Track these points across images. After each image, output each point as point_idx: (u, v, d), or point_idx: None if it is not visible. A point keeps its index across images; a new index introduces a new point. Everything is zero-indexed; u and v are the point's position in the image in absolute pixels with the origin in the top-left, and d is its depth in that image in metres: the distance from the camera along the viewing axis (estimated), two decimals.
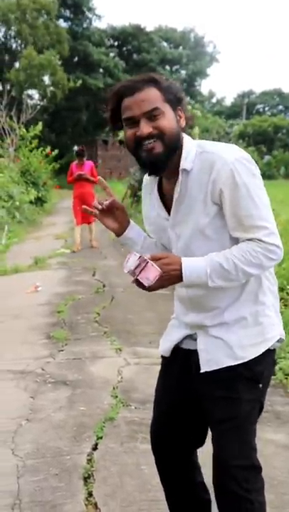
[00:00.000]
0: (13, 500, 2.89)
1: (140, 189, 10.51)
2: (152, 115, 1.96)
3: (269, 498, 2.89)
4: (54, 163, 23.02)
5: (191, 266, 1.98)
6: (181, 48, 58.60)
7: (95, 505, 2.87)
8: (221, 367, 2.07)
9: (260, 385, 2.13)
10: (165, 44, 58.06)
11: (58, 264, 10.13)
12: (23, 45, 42.25)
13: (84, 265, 9.85)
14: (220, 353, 2.07)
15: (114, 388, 4.44)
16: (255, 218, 1.98)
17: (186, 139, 2.08)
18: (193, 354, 2.14)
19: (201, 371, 2.09)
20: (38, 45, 40.05)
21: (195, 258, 2.00)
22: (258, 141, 50.10)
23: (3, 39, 44.80)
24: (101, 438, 3.61)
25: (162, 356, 2.35)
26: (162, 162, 2.01)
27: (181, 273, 1.97)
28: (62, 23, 46.97)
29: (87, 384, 4.53)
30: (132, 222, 2.28)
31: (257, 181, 2.02)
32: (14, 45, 45.20)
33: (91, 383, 4.55)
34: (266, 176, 45.33)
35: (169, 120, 1.99)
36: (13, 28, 42.60)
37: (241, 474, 2.10)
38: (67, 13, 49.91)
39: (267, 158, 48.51)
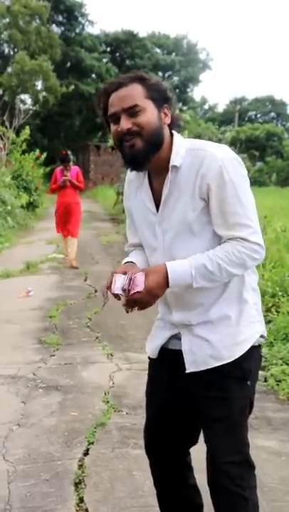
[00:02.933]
0: (4, 506, 2.88)
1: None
2: (133, 111, 1.99)
3: (260, 504, 2.90)
4: (44, 167, 23.02)
5: (176, 269, 2.01)
6: (173, 54, 58.82)
7: (86, 510, 2.86)
8: (208, 367, 2.08)
9: (249, 382, 2.15)
10: (158, 50, 58.26)
11: (50, 269, 10.12)
12: (15, 50, 42.24)
13: (75, 270, 9.84)
14: (205, 353, 2.08)
15: (105, 393, 4.43)
16: (241, 216, 2.01)
17: (177, 137, 2.11)
18: (181, 354, 2.14)
19: (186, 371, 2.11)
20: (30, 50, 40.06)
21: (179, 261, 2.03)
22: (250, 148, 50.24)
23: None
24: (92, 443, 3.60)
25: (149, 358, 2.34)
26: (143, 158, 2.04)
27: (168, 277, 2.00)
28: (55, 29, 47.02)
29: (79, 389, 4.52)
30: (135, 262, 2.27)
31: (245, 182, 2.05)
32: (6, 50, 45.21)
33: (82, 388, 4.54)
34: (258, 182, 45.46)
35: (149, 117, 2.00)
36: (4, 32, 42.60)
37: (235, 470, 2.11)
38: (60, 18, 49.98)
39: (259, 164, 48.64)
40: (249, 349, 2.11)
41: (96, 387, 4.57)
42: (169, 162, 2.07)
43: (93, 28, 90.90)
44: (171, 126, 2.10)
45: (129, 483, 3.12)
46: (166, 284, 2.01)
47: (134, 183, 2.26)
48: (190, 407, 2.21)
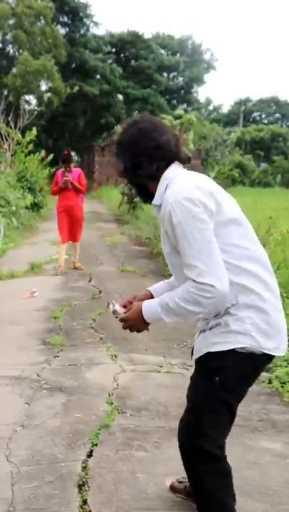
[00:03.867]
0: (7, 508, 2.87)
1: (136, 196, 10.42)
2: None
3: (265, 507, 2.90)
4: (50, 167, 23.03)
5: (147, 308, 2.48)
6: (178, 55, 58.87)
7: None
8: (195, 357, 2.52)
9: (217, 378, 2.40)
10: (162, 51, 58.32)
11: (54, 270, 10.10)
12: (20, 51, 42.30)
13: (80, 271, 9.84)
14: (197, 347, 2.51)
15: (109, 395, 4.42)
16: (189, 257, 2.28)
17: (164, 178, 2.46)
18: None
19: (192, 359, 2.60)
20: (35, 51, 40.11)
21: (152, 300, 2.50)
22: (255, 149, 50.25)
23: (0, 44, 44.87)
24: (96, 445, 3.59)
25: None
26: (142, 197, 2.64)
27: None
28: (60, 30, 47.07)
29: (83, 390, 4.51)
30: (151, 291, 2.88)
31: (193, 221, 2.27)
32: (11, 51, 45.28)
33: (87, 390, 4.53)
34: (262, 183, 45.45)
35: (120, 174, 2.59)
36: (9, 33, 42.67)
37: (190, 452, 2.54)
38: (65, 19, 50.03)
39: (263, 165, 48.64)
40: (226, 351, 2.38)
41: (100, 388, 4.56)
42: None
43: (98, 28, 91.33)
44: (154, 176, 2.48)
45: (133, 485, 3.11)
46: (143, 319, 2.50)
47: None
48: None
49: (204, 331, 2.48)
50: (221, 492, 2.50)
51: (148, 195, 2.54)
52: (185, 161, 2.58)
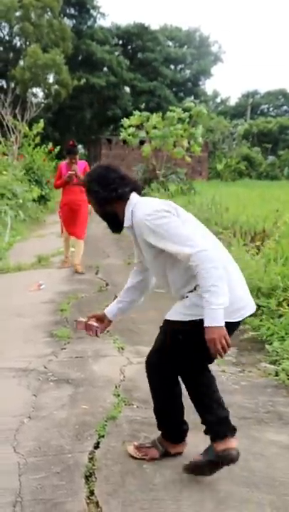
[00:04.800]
0: (15, 498, 2.89)
1: (143, 188, 10.54)
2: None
3: (271, 498, 2.91)
4: (57, 160, 23.04)
5: (207, 320, 2.85)
6: (185, 47, 58.63)
7: (97, 503, 2.86)
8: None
9: (180, 337, 3.03)
10: (170, 43, 58.14)
11: (61, 263, 10.12)
12: (27, 43, 42.27)
13: (87, 264, 9.84)
14: (171, 311, 3.15)
15: (116, 387, 4.44)
16: (177, 245, 2.88)
17: (128, 204, 3.11)
18: None
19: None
20: (42, 43, 40.07)
21: (204, 315, 2.87)
22: (263, 142, 50.09)
23: (7, 37, 44.82)
24: (103, 437, 3.60)
25: None
26: (112, 227, 3.30)
27: None
28: (67, 22, 47.01)
29: (90, 382, 4.53)
30: (107, 313, 3.65)
31: (164, 221, 2.94)
32: (18, 43, 45.25)
33: (93, 382, 4.55)
34: (270, 176, 45.33)
35: (94, 208, 3.24)
36: (16, 25, 42.64)
37: (155, 371, 3.26)
38: (72, 11, 49.94)
39: (271, 158, 48.50)
40: (189, 321, 2.99)
41: (107, 380, 4.58)
42: None
43: (105, 20, 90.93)
44: (121, 198, 3.12)
45: (140, 476, 3.12)
46: (216, 327, 2.87)
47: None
48: None
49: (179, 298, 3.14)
50: (170, 397, 3.26)
51: (118, 225, 3.20)
52: (141, 191, 3.25)
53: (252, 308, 3.15)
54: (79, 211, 9.45)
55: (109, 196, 3.12)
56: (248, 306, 3.10)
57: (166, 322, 3.15)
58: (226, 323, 2.85)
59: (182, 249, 2.86)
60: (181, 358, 3.11)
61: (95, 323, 3.56)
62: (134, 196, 3.16)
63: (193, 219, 3.16)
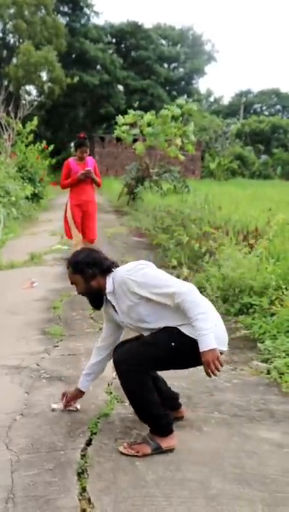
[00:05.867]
0: (7, 495, 2.89)
1: (136, 186, 10.69)
2: (74, 284, 3.70)
3: (262, 495, 2.93)
4: (50, 158, 23.01)
5: (203, 344, 3.21)
6: (179, 45, 58.59)
7: (89, 500, 2.87)
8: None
9: (173, 344, 3.30)
10: (163, 42, 58.07)
11: (54, 260, 10.13)
12: (20, 40, 42.16)
13: None
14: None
15: (108, 385, 4.45)
16: (164, 288, 3.29)
17: (109, 276, 3.55)
18: None
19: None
20: (36, 41, 39.96)
21: (198, 341, 3.23)
22: (255, 141, 50.17)
23: (0, 34, 44.70)
24: (95, 434, 3.61)
25: None
26: (93, 302, 3.78)
27: None
28: (60, 19, 46.91)
29: None
30: (82, 388, 3.96)
31: (146, 270, 3.42)
32: (12, 40, 45.13)
33: None
34: (262, 175, 45.41)
35: (80, 285, 3.65)
36: (10, 23, 42.51)
37: (122, 366, 3.44)
38: (66, 9, 49.84)
39: (264, 157, 48.58)
40: (182, 333, 3.30)
41: (99, 378, 4.56)
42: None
43: (98, 18, 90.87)
44: (105, 272, 3.56)
45: (132, 473, 3.13)
46: (210, 350, 3.21)
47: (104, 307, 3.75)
48: None
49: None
50: (142, 391, 3.39)
51: (100, 300, 3.67)
52: (116, 266, 3.62)
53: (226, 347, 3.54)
54: (91, 213, 9.00)
55: (96, 272, 3.56)
56: (226, 344, 3.51)
57: (164, 328, 3.38)
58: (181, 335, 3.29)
59: (165, 290, 3.28)
60: (159, 361, 3.41)
61: (73, 405, 3.99)
62: (111, 272, 3.58)
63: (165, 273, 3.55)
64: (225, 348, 3.46)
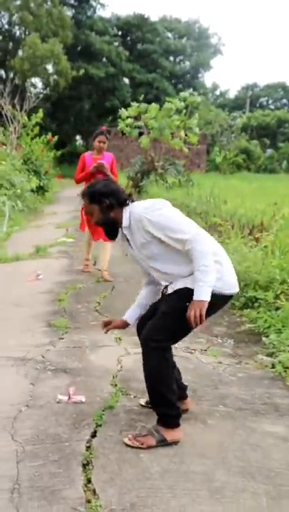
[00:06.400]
0: (13, 485, 2.91)
1: (142, 180, 10.70)
2: (90, 214, 3.68)
3: (267, 488, 2.94)
4: (55, 150, 22.99)
5: (196, 294, 3.26)
6: (185, 38, 58.35)
7: (94, 491, 2.88)
8: (173, 289, 3.47)
9: (187, 303, 3.29)
10: (169, 34, 57.85)
11: (59, 253, 10.15)
12: (27, 32, 42.06)
13: (85, 255, 9.84)
14: (176, 285, 3.46)
15: (113, 377, 4.45)
16: (177, 233, 3.29)
17: (126, 209, 3.53)
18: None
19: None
20: (41, 33, 39.87)
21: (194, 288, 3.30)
22: (261, 135, 50.03)
23: (6, 26, 44.60)
24: (100, 426, 3.62)
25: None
26: (108, 234, 3.71)
27: None
28: (66, 11, 46.76)
29: (87, 372, 4.55)
30: (128, 319, 3.88)
31: (163, 211, 3.40)
32: (18, 33, 45.03)
33: (91, 372, 4.56)
34: (268, 169, 45.30)
35: (96, 216, 3.61)
36: (16, 15, 42.42)
37: (149, 343, 3.42)
38: (72, 1, 49.70)
39: (269, 151, 48.44)
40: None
41: (104, 370, 4.60)
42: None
43: (104, 11, 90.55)
44: (122, 204, 3.54)
45: (137, 465, 3.15)
46: (201, 301, 3.26)
47: (120, 234, 3.69)
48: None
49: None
50: (164, 370, 3.43)
51: (115, 231, 3.64)
52: (132, 200, 3.60)
53: (237, 289, 3.56)
54: None
55: (112, 203, 3.53)
56: (236, 287, 3.53)
57: (180, 290, 3.39)
58: (221, 295, 3.38)
59: (178, 236, 3.28)
60: (178, 327, 3.41)
61: (77, 397, 4.02)
62: (128, 205, 3.57)
63: (182, 214, 3.53)
64: (236, 290, 3.51)
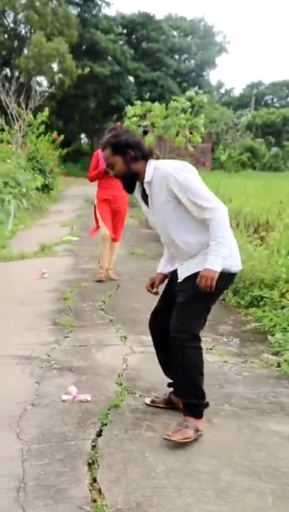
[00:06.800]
0: (19, 484, 2.91)
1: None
2: (110, 166, 3.58)
3: (272, 488, 2.93)
4: (61, 149, 22.99)
5: (209, 264, 3.33)
6: (190, 37, 58.17)
7: (99, 490, 2.88)
8: (188, 274, 3.46)
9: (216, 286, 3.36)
10: (174, 33, 57.66)
11: (65, 252, 10.15)
12: (32, 31, 42.05)
13: (90, 253, 9.85)
14: (192, 268, 3.46)
15: (119, 376, 4.45)
16: (199, 199, 3.29)
17: (149, 164, 3.46)
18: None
19: (179, 281, 3.54)
20: (47, 32, 39.83)
21: (206, 258, 3.35)
22: (266, 133, 49.90)
23: (12, 25, 44.58)
24: (106, 425, 3.62)
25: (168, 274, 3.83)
26: (127, 187, 3.62)
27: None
28: (72, 10, 46.71)
29: (93, 371, 4.55)
30: (162, 269, 3.86)
31: (191, 175, 3.35)
32: (23, 31, 45.00)
33: (96, 370, 4.57)
34: (273, 168, 45.18)
35: (118, 167, 3.52)
36: (21, 13, 42.39)
37: (183, 336, 3.42)
38: None
39: (274, 149, 48.30)
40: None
41: (110, 369, 4.60)
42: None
43: (109, 9, 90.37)
44: (146, 157, 3.48)
45: (142, 464, 3.14)
46: (212, 271, 3.31)
47: (136, 192, 3.69)
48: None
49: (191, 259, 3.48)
50: (200, 359, 3.49)
51: (133, 185, 3.58)
52: (157, 156, 3.63)
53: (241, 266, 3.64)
54: (118, 209, 8.07)
55: (137, 155, 3.46)
56: (240, 264, 3.61)
57: (193, 276, 3.38)
58: (230, 273, 3.46)
59: (201, 202, 3.28)
60: (203, 311, 3.51)
61: (83, 396, 4.02)
62: (152, 159, 3.52)
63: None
64: (240, 267, 3.60)
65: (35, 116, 20.43)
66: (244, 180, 22.69)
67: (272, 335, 5.40)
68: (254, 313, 6.09)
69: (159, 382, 4.27)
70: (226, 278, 3.44)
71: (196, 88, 54.09)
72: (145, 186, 3.49)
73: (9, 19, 44.16)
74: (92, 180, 8.09)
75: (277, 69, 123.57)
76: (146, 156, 3.49)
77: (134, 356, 4.93)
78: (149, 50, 52.31)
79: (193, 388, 3.47)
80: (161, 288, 3.83)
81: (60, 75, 40.81)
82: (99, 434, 3.51)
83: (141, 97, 22.14)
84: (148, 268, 8.51)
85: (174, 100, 20.93)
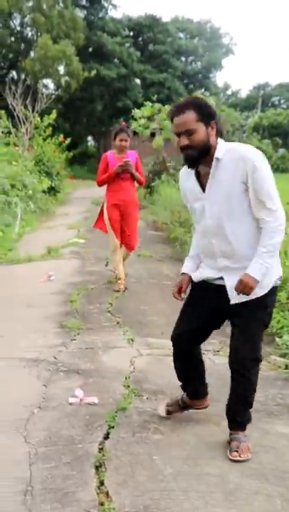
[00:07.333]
0: (26, 487, 2.90)
1: (153, 180, 10.65)
2: (188, 133, 3.05)
3: (280, 490, 2.92)
4: (67, 152, 23.01)
5: (252, 272, 3.11)
6: (196, 39, 58.20)
7: (107, 493, 2.87)
8: (249, 298, 3.17)
9: (268, 309, 3.30)
10: (181, 35, 57.71)
11: (71, 254, 10.15)
12: (38, 34, 42.15)
13: (97, 255, 9.85)
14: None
15: (126, 378, 4.44)
16: (267, 195, 3.03)
17: (220, 141, 3.14)
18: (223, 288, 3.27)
19: (231, 303, 3.22)
20: (53, 34, 39.93)
21: (251, 265, 3.12)
22: (273, 134, 49.81)
23: (18, 27, 44.72)
24: (113, 427, 3.61)
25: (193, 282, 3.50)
26: (195, 161, 3.15)
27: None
28: (78, 12, 46.83)
29: (100, 374, 4.54)
30: (188, 271, 3.54)
31: (268, 167, 3.06)
32: (30, 34, 45.13)
33: (103, 373, 4.56)
34: (280, 169, 45.08)
35: (199, 136, 3.06)
36: (28, 16, 42.53)
37: (247, 363, 3.30)
38: (83, 2, 49.76)
39: (281, 151, 48.21)
40: (272, 288, 3.24)
41: (117, 371, 4.59)
42: (212, 158, 3.12)
43: (116, 12, 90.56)
44: (217, 134, 3.12)
45: (150, 467, 3.13)
46: (254, 280, 3.09)
47: (186, 175, 3.37)
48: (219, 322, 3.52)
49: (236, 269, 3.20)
50: (257, 383, 3.40)
51: (199, 162, 3.15)
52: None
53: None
54: (129, 214, 7.56)
55: (218, 129, 3.14)
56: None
57: (251, 302, 3.18)
58: (275, 287, 3.28)
59: (265, 199, 3.03)
60: (261, 332, 3.38)
61: (90, 399, 3.99)
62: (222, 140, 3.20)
63: None
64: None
65: (41, 118, 20.47)
66: None
67: (280, 337, 5.38)
68: None
69: (166, 384, 4.27)
70: (275, 293, 3.31)
71: (203, 90, 53.93)
72: (213, 164, 3.11)
73: (16, 22, 44.32)
74: (101, 184, 7.56)
75: (283, 70, 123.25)
76: (222, 133, 3.18)
77: (142, 359, 4.91)
78: (156, 52, 52.36)
79: (249, 407, 3.40)
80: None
81: (67, 78, 40.89)
82: (106, 436, 3.50)
83: (148, 99, 22.16)
84: (155, 270, 8.50)
85: None
